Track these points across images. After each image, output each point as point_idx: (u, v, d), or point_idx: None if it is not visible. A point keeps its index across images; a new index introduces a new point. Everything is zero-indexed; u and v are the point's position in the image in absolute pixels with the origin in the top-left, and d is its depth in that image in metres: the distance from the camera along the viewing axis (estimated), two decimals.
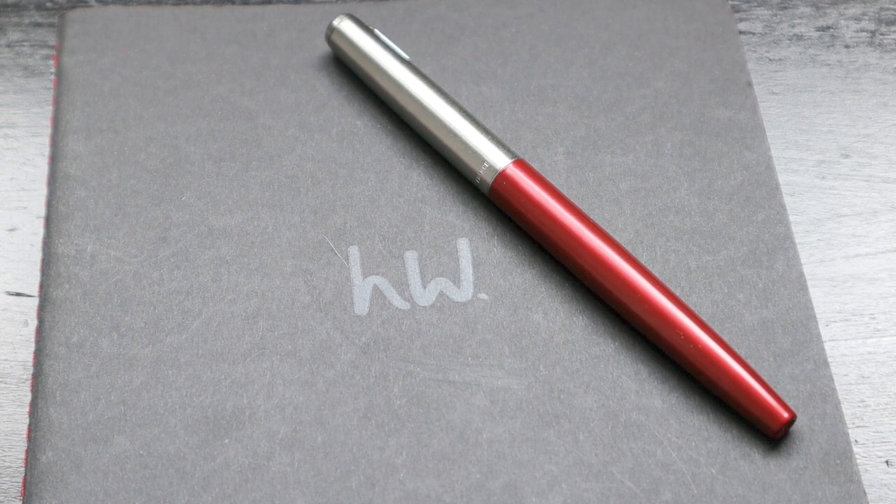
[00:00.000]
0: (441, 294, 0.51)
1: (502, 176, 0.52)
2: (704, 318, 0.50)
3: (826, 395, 0.49)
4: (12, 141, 0.57)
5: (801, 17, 0.61)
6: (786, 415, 0.47)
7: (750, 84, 0.56)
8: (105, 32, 0.57)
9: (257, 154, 0.54)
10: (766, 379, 0.49)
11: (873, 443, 0.50)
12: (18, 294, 0.53)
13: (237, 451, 0.47)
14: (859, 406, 0.51)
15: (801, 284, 0.51)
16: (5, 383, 0.51)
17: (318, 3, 0.59)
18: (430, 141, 0.54)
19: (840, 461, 0.47)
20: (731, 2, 0.60)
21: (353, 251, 0.52)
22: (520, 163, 0.52)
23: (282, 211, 0.53)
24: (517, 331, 0.50)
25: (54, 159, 0.54)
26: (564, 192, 0.53)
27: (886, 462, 0.50)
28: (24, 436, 0.50)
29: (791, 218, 0.55)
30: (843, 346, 0.52)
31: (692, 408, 0.48)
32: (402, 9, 0.58)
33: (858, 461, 0.49)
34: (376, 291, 0.51)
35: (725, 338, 0.49)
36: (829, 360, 0.51)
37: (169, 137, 0.54)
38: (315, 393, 0.48)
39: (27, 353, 0.51)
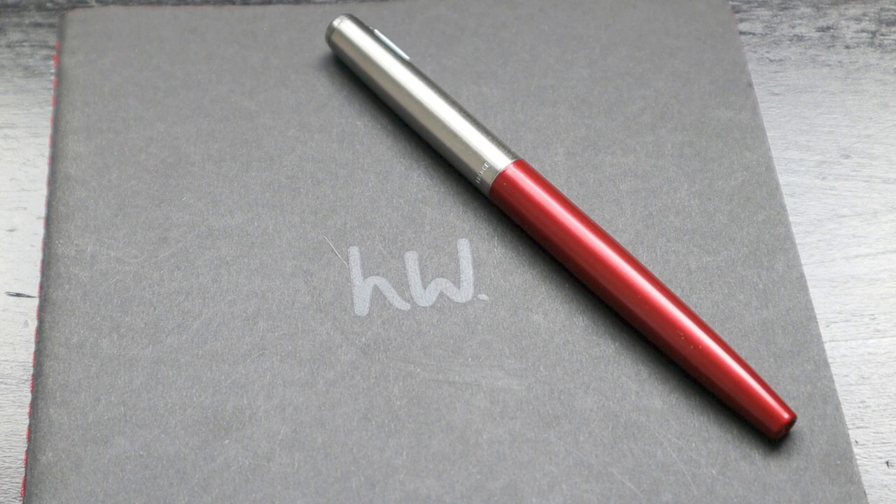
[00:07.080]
0: (441, 295, 0.51)
1: (502, 176, 0.52)
2: (705, 319, 0.50)
3: (826, 395, 0.49)
4: (12, 141, 0.57)
5: (801, 18, 0.61)
6: (786, 415, 0.47)
7: (750, 84, 0.56)
8: (105, 32, 0.57)
9: (257, 154, 0.54)
10: (766, 380, 0.49)
11: (873, 444, 0.50)
12: (18, 294, 0.53)
13: (237, 451, 0.47)
14: (859, 407, 0.51)
15: (801, 285, 0.51)
16: (5, 384, 0.51)
17: (318, 4, 0.59)
18: (430, 141, 0.54)
19: (840, 462, 0.47)
20: (731, 2, 0.60)
21: (354, 252, 0.52)
22: (520, 163, 0.52)
23: (282, 211, 0.53)
24: (517, 331, 0.50)
25: (54, 160, 0.54)
26: (565, 192, 0.53)
27: (887, 463, 0.50)
28: (24, 436, 0.49)
29: (791, 218, 0.55)
30: (843, 346, 0.52)
31: (692, 408, 0.48)
32: (402, 9, 0.58)
33: (859, 462, 0.49)
34: (376, 292, 0.51)
35: (726, 338, 0.49)
36: (830, 360, 0.51)
37: (169, 138, 0.54)
38: (315, 393, 0.48)
39: (27, 354, 0.51)
